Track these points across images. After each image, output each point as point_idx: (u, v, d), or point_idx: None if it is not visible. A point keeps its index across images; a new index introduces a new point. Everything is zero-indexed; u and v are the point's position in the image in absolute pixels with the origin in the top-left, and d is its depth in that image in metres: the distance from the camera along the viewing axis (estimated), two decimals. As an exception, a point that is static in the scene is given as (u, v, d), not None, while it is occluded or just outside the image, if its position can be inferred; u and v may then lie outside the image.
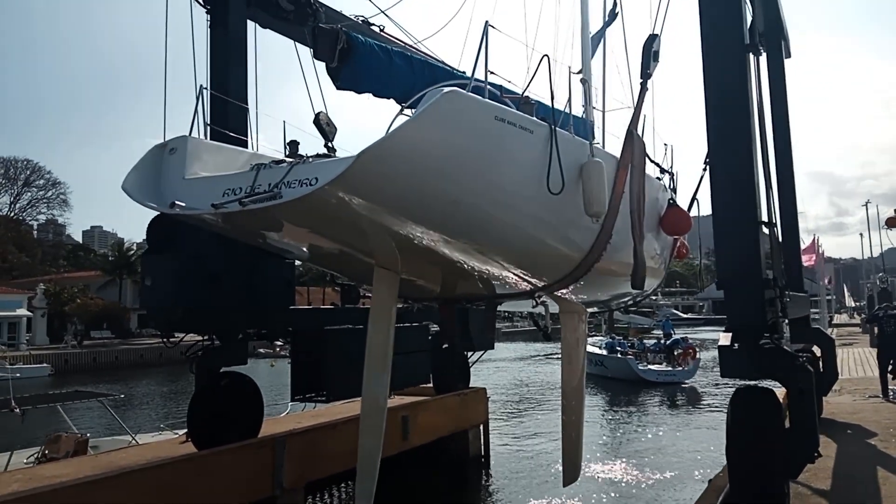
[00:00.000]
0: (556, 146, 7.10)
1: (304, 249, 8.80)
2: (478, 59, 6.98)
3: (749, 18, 7.25)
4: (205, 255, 9.69)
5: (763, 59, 12.41)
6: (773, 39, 12.37)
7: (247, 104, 10.91)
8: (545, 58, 7.48)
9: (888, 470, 8.13)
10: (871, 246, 64.57)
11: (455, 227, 6.99)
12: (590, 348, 33.36)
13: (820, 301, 53.77)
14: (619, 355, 31.37)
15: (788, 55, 13.15)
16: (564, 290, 9.59)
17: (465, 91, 6.37)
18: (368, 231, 6.99)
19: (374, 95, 11.07)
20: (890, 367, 14.03)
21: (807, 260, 48.10)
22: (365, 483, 7.80)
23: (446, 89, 6.15)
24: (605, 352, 32.06)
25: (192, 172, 7.70)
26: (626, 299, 13.56)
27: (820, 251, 50.97)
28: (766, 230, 6.75)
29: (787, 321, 11.55)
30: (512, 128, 6.75)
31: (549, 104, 8.01)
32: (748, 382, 6.86)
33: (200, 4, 11.07)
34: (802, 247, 48.04)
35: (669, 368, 29.66)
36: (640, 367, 29.46)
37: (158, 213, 9.87)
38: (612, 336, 35.63)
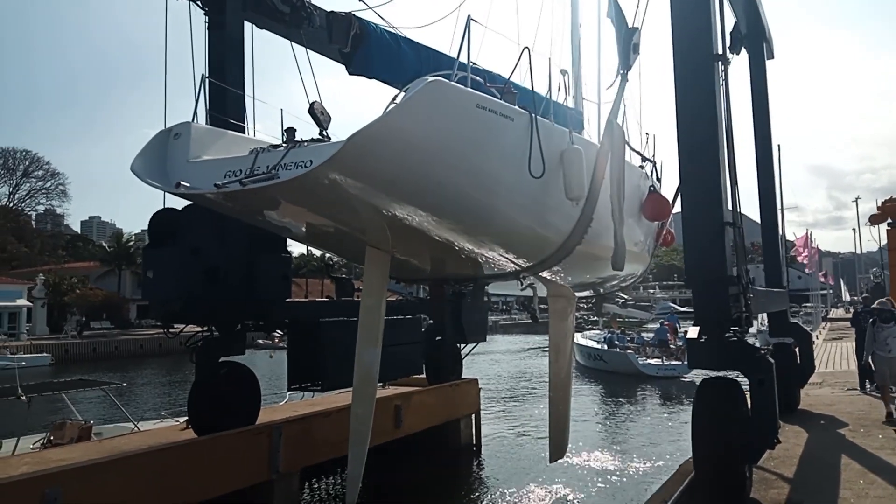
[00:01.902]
0: (537, 133, 7.58)
1: (301, 229, 9.20)
2: (460, 50, 7.49)
3: (720, 27, 7.59)
4: (204, 249, 10.07)
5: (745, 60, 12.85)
6: (755, 42, 12.78)
7: (244, 103, 11.26)
8: (526, 49, 8.00)
9: (851, 457, 8.58)
10: (860, 241, 64.85)
11: (440, 208, 7.45)
12: (589, 342, 33.53)
13: (813, 295, 54.26)
14: (619, 350, 31.38)
15: (771, 56, 13.53)
16: (549, 272, 10.04)
17: (448, 81, 6.84)
18: (359, 211, 7.44)
19: (384, 82, 11.42)
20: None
21: (800, 254, 48.52)
22: (357, 448, 8.30)
23: (430, 78, 6.63)
24: (604, 346, 32.06)
25: (195, 156, 8.20)
26: (612, 283, 13.99)
27: (813, 245, 51.41)
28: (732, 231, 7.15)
29: (765, 314, 12.01)
30: (493, 115, 7.25)
31: (541, 94, 8.54)
32: (716, 373, 7.31)
33: (199, 6, 11.42)
34: (796, 240, 48.09)
35: (669, 363, 29.62)
36: (639, 361, 29.47)
37: (160, 208, 10.39)
38: (610, 330, 35.73)
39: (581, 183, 8.23)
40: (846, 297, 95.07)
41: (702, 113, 7.07)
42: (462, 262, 9.75)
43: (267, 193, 7.05)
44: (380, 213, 7.41)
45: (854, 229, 48.97)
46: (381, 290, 8.59)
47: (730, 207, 7.22)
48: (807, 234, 46.80)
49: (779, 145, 47.89)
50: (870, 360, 11.44)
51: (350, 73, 11.13)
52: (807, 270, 52.46)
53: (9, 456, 10.20)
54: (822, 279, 62.70)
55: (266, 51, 13.11)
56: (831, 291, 78.06)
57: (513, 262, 9.57)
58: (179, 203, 10.61)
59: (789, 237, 58.67)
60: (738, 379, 7.09)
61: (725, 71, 7.43)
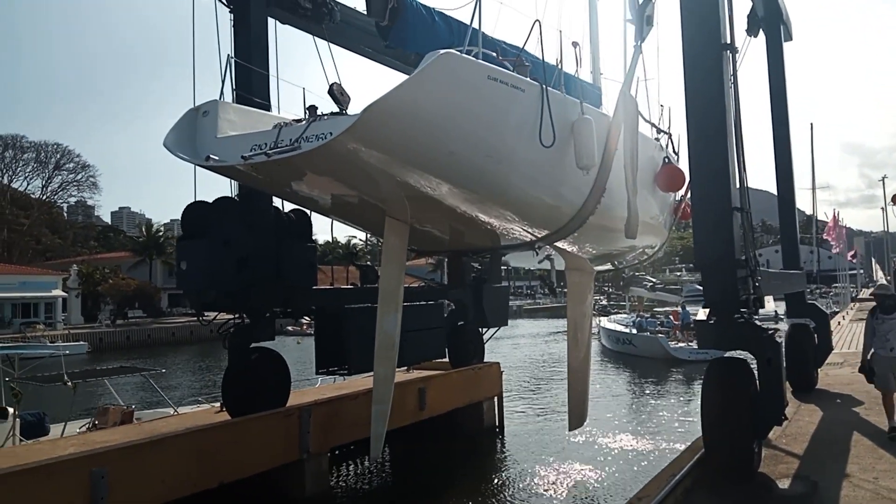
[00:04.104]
0: (548, 103, 7.87)
1: (323, 199, 9.63)
2: (471, 23, 7.84)
3: (728, 16, 7.73)
4: (235, 240, 10.52)
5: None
6: (772, 24, 12.83)
7: (268, 92, 11.60)
8: (537, 22, 8.34)
9: (862, 434, 8.77)
10: (887, 220, 63.49)
11: (455, 176, 7.84)
12: (617, 327, 33.05)
13: (842, 276, 53.61)
14: (649, 334, 30.82)
15: (789, 38, 13.55)
16: (565, 243, 10.31)
17: (460, 53, 7.18)
18: (377, 179, 7.86)
19: (418, 54, 11.73)
20: None
21: (829, 235, 47.95)
22: (380, 405, 8.80)
23: (442, 51, 6.98)
24: (634, 330, 31.55)
25: (222, 131, 8.72)
26: (629, 255, 14.19)
27: (842, 225, 50.74)
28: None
29: (782, 296, 12.11)
30: (504, 86, 7.62)
31: (556, 66, 8.87)
32: (728, 353, 7.56)
33: (224, 4, 11.80)
34: (829, 221, 47.21)
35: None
36: (671, 346, 28.74)
37: (192, 202, 10.86)
38: (639, 314, 35.17)
39: (591, 152, 8.51)
40: (878, 276, 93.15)
41: (710, 101, 7.27)
42: (479, 232, 10.07)
43: (290, 163, 7.52)
44: (396, 181, 7.79)
45: (883, 208, 48.21)
46: (400, 259, 9.03)
47: (738, 193, 7.41)
48: (835, 213, 46.06)
49: (811, 124, 47.24)
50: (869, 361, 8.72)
51: (387, 46, 11.49)
52: (834, 250, 51.87)
53: (57, 438, 10.83)
54: (852, 259, 61.82)
55: (290, 41, 13.47)
56: (862, 271, 76.69)
57: (528, 231, 9.85)
58: (210, 196, 11.10)
59: (820, 217, 57.87)
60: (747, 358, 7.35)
61: (734, 59, 7.60)
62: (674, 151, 12.65)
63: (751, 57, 12.83)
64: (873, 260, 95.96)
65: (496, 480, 12.92)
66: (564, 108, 8.51)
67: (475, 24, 7.95)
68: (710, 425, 7.00)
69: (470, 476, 13.17)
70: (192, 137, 8.77)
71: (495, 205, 8.85)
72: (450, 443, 14.27)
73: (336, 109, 8.90)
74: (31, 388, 12.80)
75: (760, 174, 13.53)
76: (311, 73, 11.65)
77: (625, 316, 37.43)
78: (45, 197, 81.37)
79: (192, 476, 9.00)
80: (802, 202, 49.42)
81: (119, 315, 56.99)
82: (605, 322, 35.74)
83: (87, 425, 12.15)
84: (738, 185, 7.31)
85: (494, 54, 9.15)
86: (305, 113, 8.74)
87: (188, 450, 9.12)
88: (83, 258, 68.65)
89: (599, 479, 12.33)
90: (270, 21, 12.23)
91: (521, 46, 9.41)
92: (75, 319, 56.03)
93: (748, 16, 13.06)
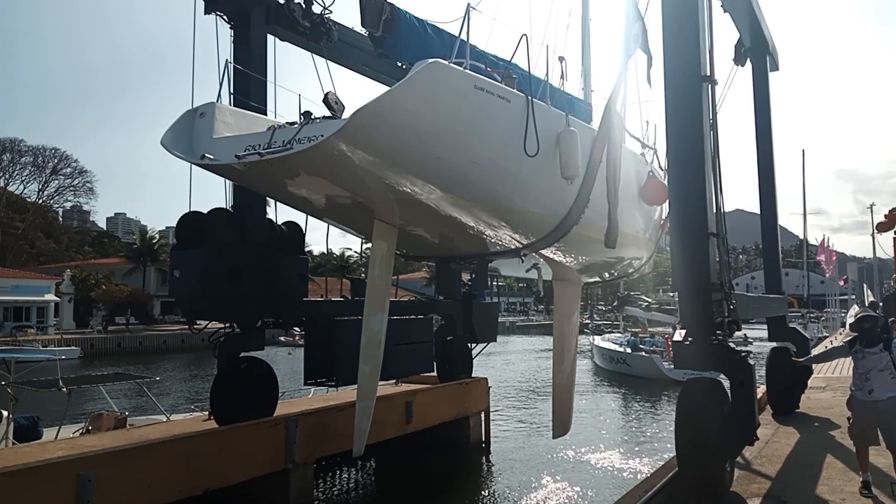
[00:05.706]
0: (532, 114, 8.17)
1: (314, 200, 9.82)
2: (460, 35, 8.15)
3: (709, 49, 8.03)
4: (227, 251, 10.73)
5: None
6: (759, 55, 13.18)
7: (265, 103, 11.85)
8: (524, 37, 8.67)
9: (835, 457, 8.96)
10: (874, 248, 63.77)
11: (441, 181, 8.10)
12: (611, 346, 33.10)
13: (831, 300, 53.98)
14: (644, 353, 30.59)
15: (775, 68, 13.90)
16: (550, 251, 10.54)
17: (448, 63, 7.46)
18: (367, 181, 8.09)
19: (411, 64, 12.02)
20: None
21: (820, 259, 48.45)
22: (364, 402, 8.97)
23: (431, 60, 7.26)
24: (628, 349, 31.39)
25: (218, 132, 8.99)
26: (616, 267, 14.43)
27: (832, 250, 51.20)
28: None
29: (764, 319, 12.34)
30: (490, 96, 7.93)
31: (542, 79, 9.13)
32: (701, 374, 7.78)
33: (225, 21, 12.09)
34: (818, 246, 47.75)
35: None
36: (665, 365, 28.19)
37: (187, 211, 11.08)
38: (633, 333, 35.04)
39: (576, 163, 8.82)
40: (868, 298, 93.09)
41: (690, 131, 7.54)
42: (465, 238, 10.31)
43: (282, 163, 7.76)
44: (385, 184, 8.06)
45: (872, 235, 48.72)
46: (388, 262, 9.27)
47: (715, 219, 7.67)
48: (825, 238, 46.56)
49: (803, 150, 47.88)
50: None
51: (380, 56, 11.84)
52: (827, 275, 52.28)
53: (47, 441, 10.95)
54: (843, 284, 62.17)
55: (288, 53, 13.74)
56: (854, 296, 76.96)
57: (513, 238, 10.10)
58: (205, 206, 11.32)
59: (813, 242, 58.27)
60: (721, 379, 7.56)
61: (713, 90, 7.89)
62: (659, 167, 12.96)
63: (738, 84, 13.21)
64: (865, 286, 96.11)
65: (480, 495, 13.07)
66: (550, 120, 8.82)
67: (463, 36, 8.28)
68: (683, 444, 7.19)
69: (454, 490, 13.32)
70: (188, 137, 9.02)
71: (480, 210, 9.10)
72: (435, 456, 14.39)
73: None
74: (27, 392, 12.91)
75: (754, 198, 13.77)
76: (307, 82, 11.92)
77: (619, 335, 37.51)
78: (41, 201, 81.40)
79: (178, 482, 9.12)
80: (795, 227, 50.02)
81: (110, 321, 56.87)
82: (598, 341, 35.80)
83: (80, 430, 12.24)
84: (714, 211, 7.58)
85: (483, 66, 9.47)
86: (300, 118, 9.02)
87: (175, 456, 9.25)
88: (77, 263, 68.60)
89: (581, 494, 12.49)
90: (269, 37, 12.52)
91: (508, 60, 9.74)
92: (67, 324, 55.96)
93: (735, 46, 13.42)
